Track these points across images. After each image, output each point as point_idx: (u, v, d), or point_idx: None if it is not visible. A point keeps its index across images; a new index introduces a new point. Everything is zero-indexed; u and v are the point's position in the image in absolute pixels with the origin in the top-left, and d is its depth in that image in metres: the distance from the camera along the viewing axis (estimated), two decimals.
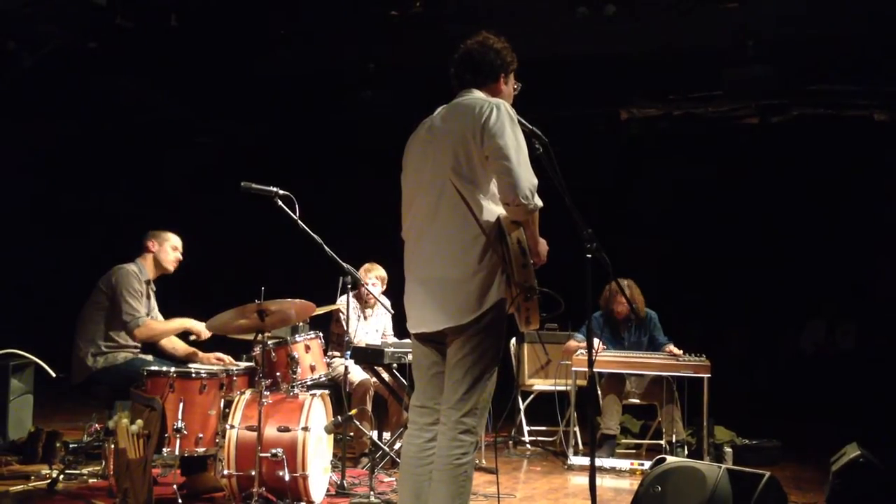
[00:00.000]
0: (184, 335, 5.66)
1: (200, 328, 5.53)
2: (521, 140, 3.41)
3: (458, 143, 3.44)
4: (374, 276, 6.70)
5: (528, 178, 3.35)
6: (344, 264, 5.36)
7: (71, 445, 5.73)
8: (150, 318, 5.56)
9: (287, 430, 4.89)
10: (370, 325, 6.89)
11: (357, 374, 6.45)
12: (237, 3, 8.03)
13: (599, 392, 7.04)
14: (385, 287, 6.77)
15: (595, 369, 6.43)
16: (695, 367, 6.58)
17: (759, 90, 8.52)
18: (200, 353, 5.64)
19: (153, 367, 5.07)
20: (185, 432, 4.87)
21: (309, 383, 5.43)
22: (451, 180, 3.45)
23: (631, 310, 6.94)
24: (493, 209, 3.44)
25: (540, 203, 3.38)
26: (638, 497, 4.30)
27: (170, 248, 5.68)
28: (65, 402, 7.51)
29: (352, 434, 6.18)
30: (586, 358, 4.09)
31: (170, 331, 5.63)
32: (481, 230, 3.41)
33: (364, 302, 6.83)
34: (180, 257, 5.74)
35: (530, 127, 3.54)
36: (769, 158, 10.06)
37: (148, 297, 5.62)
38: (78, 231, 10.34)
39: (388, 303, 6.57)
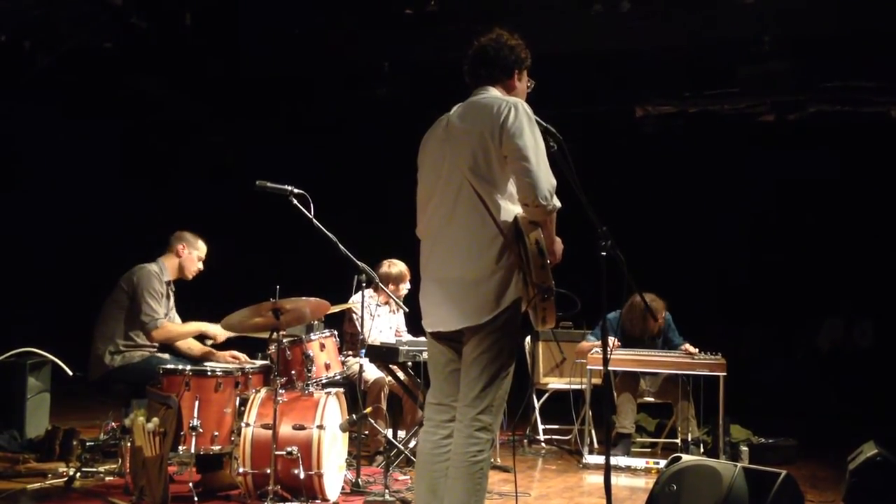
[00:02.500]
0: (200, 337, 5.69)
1: (217, 331, 5.55)
2: (539, 140, 3.41)
3: (476, 142, 3.44)
4: (405, 287, 6.71)
5: (547, 179, 3.34)
6: (358, 262, 5.36)
7: (87, 443, 5.76)
8: (168, 320, 5.58)
9: (302, 428, 4.90)
10: (384, 323, 6.88)
11: (372, 372, 6.45)
12: (251, 2, 8.05)
13: (614, 390, 7.02)
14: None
15: (610, 368, 6.45)
16: (710, 366, 6.55)
17: (775, 87, 8.47)
18: (216, 352, 5.66)
19: (169, 366, 5.09)
20: (201, 430, 4.88)
21: (324, 381, 5.44)
22: (469, 180, 3.44)
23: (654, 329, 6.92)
24: (511, 209, 3.44)
25: (559, 204, 3.37)
26: (653, 496, 4.28)
27: (196, 258, 5.71)
28: (81, 401, 7.54)
29: (367, 432, 6.18)
30: (601, 356, 4.08)
31: (186, 333, 5.65)
32: (499, 230, 3.40)
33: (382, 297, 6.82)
34: (202, 268, 5.77)
35: (545, 124, 3.53)
36: (785, 155, 10.01)
37: (168, 298, 5.65)
38: (93, 230, 10.37)
39: (400, 300, 6.58)
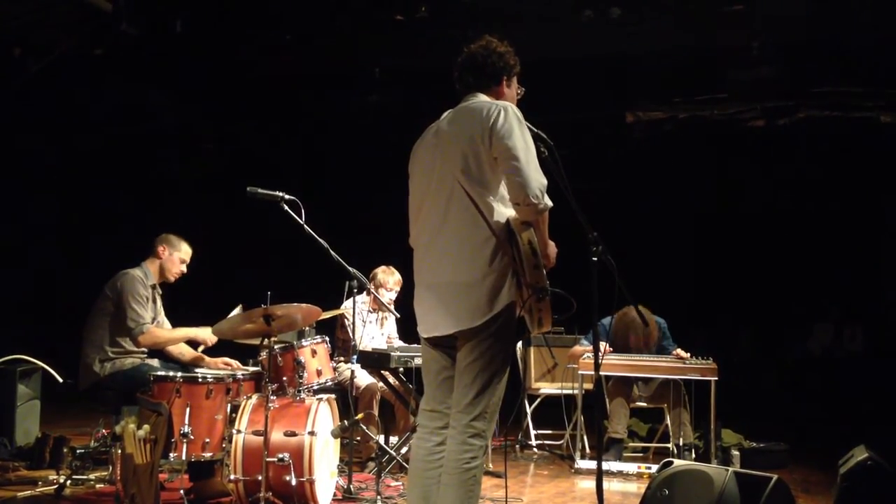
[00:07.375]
0: (191, 343, 5.67)
1: (206, 335, 5.53)
2: (529, 141, 3.41)
3: (466, 145, 3.44)
4: (393, 282, 6.66)
5: (537, 179, 3.34)
6: (350, 268, 5.36)
7: (78, 451, 5.72)
8: (156, 326, 5.56)
9: (294, 434, 4.89)
10: (376, 329, 6.88)
11: (363, 378, 6.44)
12: (242, 8, 8.05)
13: (606, 395, 7.02)
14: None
15: (602, 373, 6.44)
16: (701, 370, 6.56)
17: (765, 92, 8.51)
18: (207, 358, 5.65)
19: (160, 373, 5.07)
20: (192, 437, 4.87)
21: (315, 388, 5.42)
22: (461, 183, 3.44)
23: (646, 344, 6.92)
24: (503, 211, 3.44)
25: (550, 203, 3.37)
26: (645, 500, 4.29)
27: (178, 260, 5.69)
28: (72, 408, 7.52)
29: (358, 438, 6.18)
30: (593, 361, 4.08)
31: (174, 339, 5.63)
32: (492, 232, 3.40)
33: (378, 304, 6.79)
34: (185, 270, 5.74)
35: (535, 130, 3.54)
36: (775, 160, 10.05)
37: (154, 302, 5.63)
38: (84, 236, 10.35)
39: (392, 307, 6.57)
